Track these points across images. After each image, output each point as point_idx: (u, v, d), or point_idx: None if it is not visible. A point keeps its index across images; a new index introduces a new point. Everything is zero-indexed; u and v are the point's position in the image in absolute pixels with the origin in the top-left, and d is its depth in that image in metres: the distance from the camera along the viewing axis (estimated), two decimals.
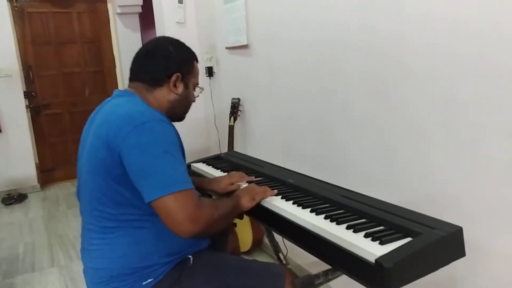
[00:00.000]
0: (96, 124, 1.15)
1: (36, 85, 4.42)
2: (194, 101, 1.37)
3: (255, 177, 1.48)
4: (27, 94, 4.31)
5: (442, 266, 0.93)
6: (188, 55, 1.31)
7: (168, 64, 1.25)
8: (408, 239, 0.94)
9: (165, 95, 1.26)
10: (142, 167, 1.04)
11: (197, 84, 1.36)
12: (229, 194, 1.40)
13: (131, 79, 1.28)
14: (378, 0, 1.44)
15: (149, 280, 1.13)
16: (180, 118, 1.35)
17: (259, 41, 2.25)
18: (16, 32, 4.21)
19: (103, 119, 1.14)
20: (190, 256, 1.21)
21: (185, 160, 1.20)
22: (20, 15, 4.25)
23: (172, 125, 1.17)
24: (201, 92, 1.39)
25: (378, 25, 1.45)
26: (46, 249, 2.91)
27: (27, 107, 4.30)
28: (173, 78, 1.25)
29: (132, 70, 1.29)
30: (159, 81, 1.25)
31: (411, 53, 1.34)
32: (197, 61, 1.35)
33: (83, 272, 1.23)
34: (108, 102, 1.23)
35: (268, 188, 1.29)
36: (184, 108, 1.33)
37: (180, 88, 1.27)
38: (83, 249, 1.23)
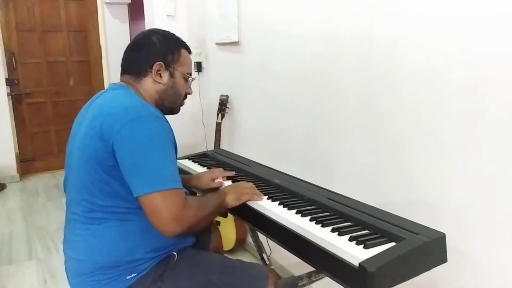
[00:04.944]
0: (90, 115, 1.15)
1: (18, 72, 4.30)
2: (190, 93, 1.37)
3: (235, 173, 1.48)
4: (9, 81, 4.19)
5: (424, 271, 0.94)
6: (173, 44, 1.30)
7: (149, 53, 1.26)
8: (392, 244, 0.95)
9: (151, 85, 1.26)
10: (134, 161, 1.05)
11: (189, 74, 1.34)
12: (212, 190, 1.40)
13: (122, 73, 1.30)
14: (375, 11, 1.44)
15: (133, 275, 1.13)
16: (172, 110, 1.34)
17: (250, 39, 2.23)
18: None
19: (98, 111, 1.14)
20: (174, 253, 1.21)
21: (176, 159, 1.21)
22: (4, 0, 4.13)
23: (167, 122, 1.17)
24: (192, 81, 1.37)
25: (373, 36, 1.46)
26: (24, 241, 2.85)
27: (8, 94, 4.18)
28: (155, 67, 1.25)
29: (122, 64, 1.30)
30: (143, 71, 1.25)
31: (403, 64, 1.36)
32: (188, 50, 1.34)
33: (65, 264, 1.21)
34: (103, 94, 1.23)
35: (256, 190, 1.27)
36: (173, 99, 1.31)
37: (165, 78, 1.27)
38: (66, 240, 1.22)
